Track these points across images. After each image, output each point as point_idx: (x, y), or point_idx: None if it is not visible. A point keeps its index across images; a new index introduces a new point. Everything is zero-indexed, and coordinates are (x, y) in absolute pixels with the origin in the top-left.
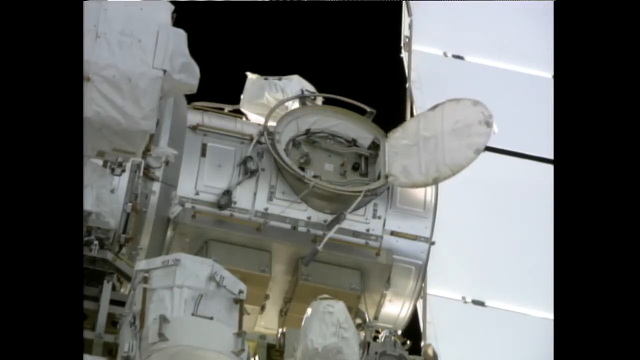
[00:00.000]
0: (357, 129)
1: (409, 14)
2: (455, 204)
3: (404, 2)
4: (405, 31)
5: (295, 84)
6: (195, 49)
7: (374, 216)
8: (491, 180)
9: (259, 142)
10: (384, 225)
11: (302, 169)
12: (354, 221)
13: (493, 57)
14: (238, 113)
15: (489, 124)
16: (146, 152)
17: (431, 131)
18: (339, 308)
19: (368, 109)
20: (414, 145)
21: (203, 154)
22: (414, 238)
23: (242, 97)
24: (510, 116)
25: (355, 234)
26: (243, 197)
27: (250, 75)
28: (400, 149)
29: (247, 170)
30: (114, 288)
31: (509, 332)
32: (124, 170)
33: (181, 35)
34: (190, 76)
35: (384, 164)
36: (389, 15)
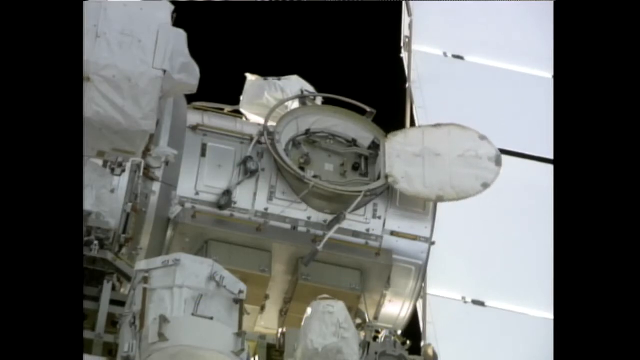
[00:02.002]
0: (357, 129)
1: (409, 14)
2: (455, 204)
3: (404, 2)
4: (405, 31)
5: (295, 84)
6: (195, 49)
7: (374, 216)
8: None
9: (259, 142)
10: (384, 225)
11: (302, 169)
12: (354, 221)
13: (493, 57)
14: (238, 114)
15: (498, 163)
16: (146, 152)
17: (437, 149)
18: (339, 308)
19: (368, 109)
20: (419, 156)
21: (203, 154)
22: (414, 238)
23: (241, 98)
24: (510, 116)
25: (355, 234)
26: (243, 197)
27: (249, 77)
28: (402, 153)
29: (247, 170)
30: (114, 288)
31: (509, 332)
32: (124, 170)
33: (181, 35)
34: (190, 76)
35: (384, 164)
36: (389, 15)
